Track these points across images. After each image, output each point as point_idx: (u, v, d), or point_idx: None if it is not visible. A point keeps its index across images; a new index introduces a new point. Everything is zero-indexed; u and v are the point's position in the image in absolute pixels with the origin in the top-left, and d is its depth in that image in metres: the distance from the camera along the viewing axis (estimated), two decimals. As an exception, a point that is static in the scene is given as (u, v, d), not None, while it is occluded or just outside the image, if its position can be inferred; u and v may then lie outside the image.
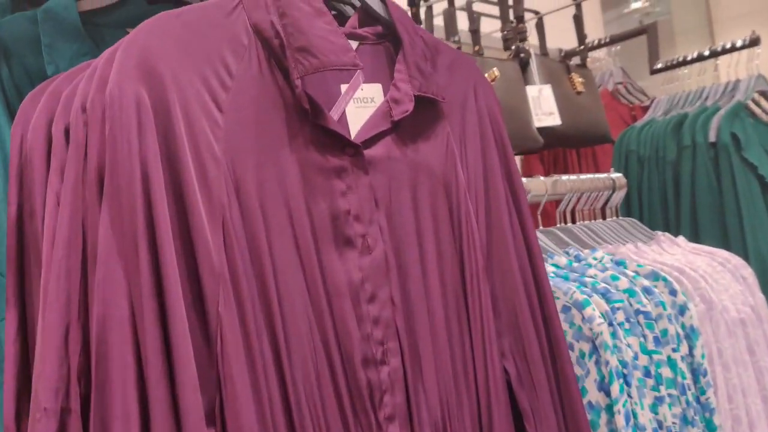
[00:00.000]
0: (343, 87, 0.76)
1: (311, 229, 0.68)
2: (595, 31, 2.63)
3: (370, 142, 0.74)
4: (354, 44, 0.78)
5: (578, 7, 1.74)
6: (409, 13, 1.31)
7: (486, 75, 1.31)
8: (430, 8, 1.48)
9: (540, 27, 1.74)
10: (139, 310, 0.57)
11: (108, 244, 0.58)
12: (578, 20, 1.75)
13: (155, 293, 0.58)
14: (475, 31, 1.58)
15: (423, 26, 1.49)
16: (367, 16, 0.81)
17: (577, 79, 1.56)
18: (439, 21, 1.56)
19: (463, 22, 1.58)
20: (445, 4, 1.53)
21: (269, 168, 0.66)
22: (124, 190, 0.59)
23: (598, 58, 2.34)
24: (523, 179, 1.30)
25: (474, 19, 1.59)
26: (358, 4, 0.81)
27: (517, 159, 2.13)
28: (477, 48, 1.56)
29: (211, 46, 0.66)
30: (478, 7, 1.65)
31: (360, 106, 0.77)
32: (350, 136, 0.74)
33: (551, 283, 1.06)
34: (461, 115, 0.84)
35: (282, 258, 0.66)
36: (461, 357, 0.78)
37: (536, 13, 1.77)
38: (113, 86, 0.60)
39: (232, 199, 0.63)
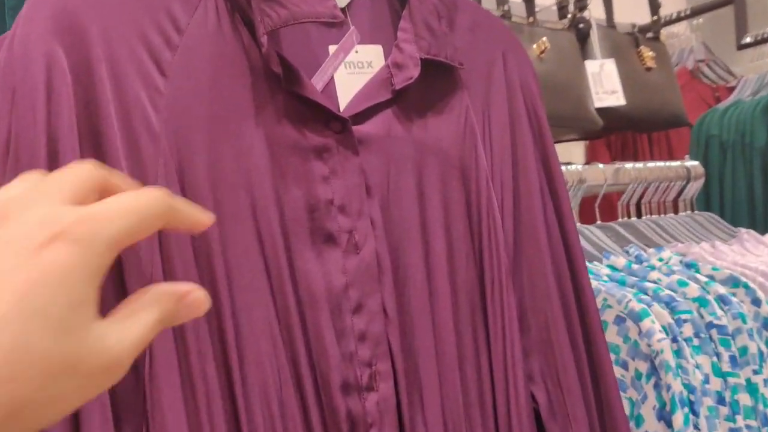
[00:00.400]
0: (332, 48, 0.62)
1: (280, 223, 0.55)
2: (672, 2, 2.39)
3: (364, 115, 0.60)
4: (347, -1, 0.64)
5: (651, -28, 1.54)
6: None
7: (534, 46, 1.15)
8: (477, -25, 1.32)
9: (607, -3, 1.55)
10: None
11: None
12: (651, -12, 1.55)
13: None
14: (529, 1, 1.40)
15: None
16: (365, -36, 0.67)
17: (647, 53, 1.36)
18: (489, -10, 1.40)
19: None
20: (494, -30, 1.37)
21: (226, 145, 0.53)
22: (24, 170, 0.47)
23: (675, 33, 2.11)
24: (578, 167, 1.13)
25: (528, -13, 1.41)
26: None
27: (579, 144, 1.93)
28: (531, 20, 1.38)
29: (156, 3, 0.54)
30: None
31: (354, 72, 0.63)
32: (338, 107, 0.60)
33: (604, 288, 0.90)
34: (485, 86, 0.69)
35: (239, 258, 0.53)
36: (476, 382, 0.63)
37: (602, -20, 1.57)
38: (18, 44, 0.49)
39: (172, 184, 0.51)
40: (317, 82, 0.60)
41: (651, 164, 1.29)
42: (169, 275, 0.50)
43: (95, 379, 0.25)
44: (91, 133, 0.50)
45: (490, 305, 0.65)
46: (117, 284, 0.49)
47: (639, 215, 1.31)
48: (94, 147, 0.50)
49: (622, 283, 0.96)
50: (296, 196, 0.56)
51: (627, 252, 1.09)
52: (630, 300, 0.87)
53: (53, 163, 0.48)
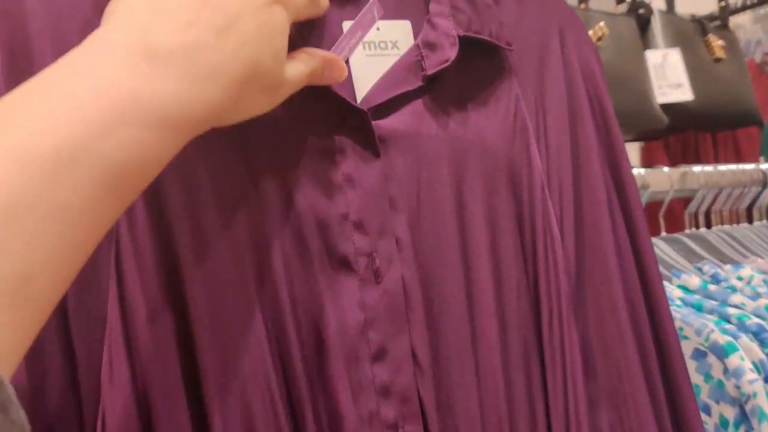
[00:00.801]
0: (347, 25, 0.50)
1: (280, 245, 0.43)
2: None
3: (388, 108, 0.48)
4: (370, -39, 0.52)
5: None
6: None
7: (590, 32, 1.00)
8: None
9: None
10: None
11: None
12: (717, -28, 1.39)
13: None
14: (581, -15, 1.26)
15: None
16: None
17: (716, 42, 1.21)
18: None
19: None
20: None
21: (210, 147, 0.41)
22: None
23: (740, 24, 1.93)
24: (640, 171, 0.99)
25: (580, -30, 1.27)
26: None
27: (634, 146, 1.77)
28: (584, 6, 1.24)
29: None
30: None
31: (374, 53, 0.50)
32: (354, 98, 0.48)
33: (678, 315, 0.75)
34: (538, 70, 0.56)
35: (224, 291, 0.41)
36: None
37: (662, -37, 1.42)
38: None
39: (138, 201, 0.39)
40: None
41: (722, 167, 1.13)
42: (126, 318, 0.38)
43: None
44: None
45: (547, 345, 0.52)
46: (59, 326, 0.38)
47: (709, 226, 1.16)
48: None
49: (699, 308, 0.82)
50: (301, 211, 0.43)
51: (700, 270, 0.94)
52: (712, 331, 0.73)
53: None
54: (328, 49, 0.48)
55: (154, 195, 0.40)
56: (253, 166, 0.43)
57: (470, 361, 0.48)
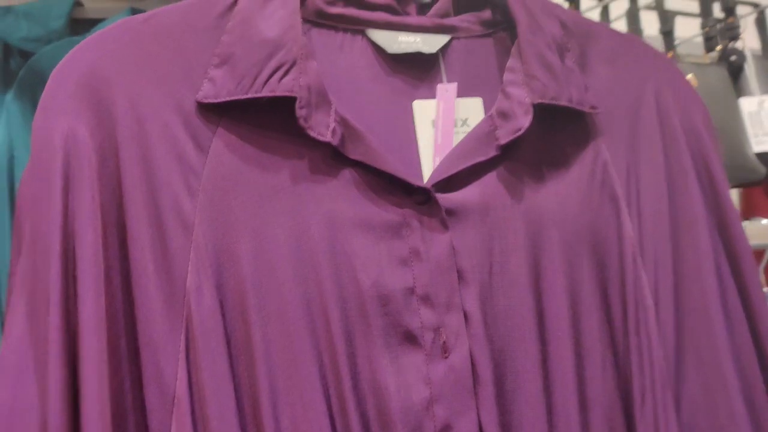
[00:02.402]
0: (419, 104, 0.51)
1: (342, 320, 0.43)
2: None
3: (459, 180, 0.48)
4: (443, 39, 0.53)
5: (817, -8, 1.32)
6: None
7: (677, 84, 0.98)
8: (606, 8, 1.17)
9: (761, 23, 1.34)
10: None
11: (16, 349, 0.39)
12: (817, 10, 1.32)
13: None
14: (668, 33, 1.23)
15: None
16: (468, -4, 0.55)
17: (818, 86, 1.15)
18: (620, 24, 1.25)
19: (650, 24, 1.24)
20: (625, 3, 1.21)
21: (276, 230, 0.43)
22: (39, 271, 0.40)
23: None
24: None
25: (667, 17, 1.24)
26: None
27: (732, 192, 1.69)
28: (671, 54, 1.21)
29: (192, 61, 0.46)
30: (671, 3, 1.30)
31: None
32: (420, 173, 0.49)
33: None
34: (632, 134, 0.54)
35: (287, 369, 0.42)
36: None
37: (755, 6, 1.37)
38: (38, 122, 0.43)
39: (205, 281, 0.42)
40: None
41: (830, 218, 1.06)
42: (197, 399, 0.40)
43: None
44: (117, 225, 0.43)
45: (640, 425, 0.49)
46: (135, 405, 0.40)
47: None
48: (120, 242, 0.42)
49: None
50: (364, 286, 0.44)
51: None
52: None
53: (69, 262, 0.40)
54: (398, 126, 0.50)
55: (222, 272, 0.42)
56: (315, 245, 0.44)
57: (545, 440, 0.47)
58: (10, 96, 0.88)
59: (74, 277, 0.41)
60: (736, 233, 0.55)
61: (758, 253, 1.02)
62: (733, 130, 1.02)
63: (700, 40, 1.21)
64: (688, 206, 0.54)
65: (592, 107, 0.52)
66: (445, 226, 0.46)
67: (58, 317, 0.40)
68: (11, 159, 0.87)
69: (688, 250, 0.53)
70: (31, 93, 0.86)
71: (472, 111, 0.52)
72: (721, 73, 1.07)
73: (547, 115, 0.50)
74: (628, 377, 0.49)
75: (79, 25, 0.94)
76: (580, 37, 0.55)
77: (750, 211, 1.62)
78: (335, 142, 0.45)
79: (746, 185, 1.17)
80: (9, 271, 0.44)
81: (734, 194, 1.71)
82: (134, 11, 0.88)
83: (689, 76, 0.97)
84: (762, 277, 1.03)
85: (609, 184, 0.52)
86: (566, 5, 1.02)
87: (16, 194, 0.66)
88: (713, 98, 1.02)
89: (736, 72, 1.10)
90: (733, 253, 0.54)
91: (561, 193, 0.50)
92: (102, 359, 0.40)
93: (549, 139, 0.51)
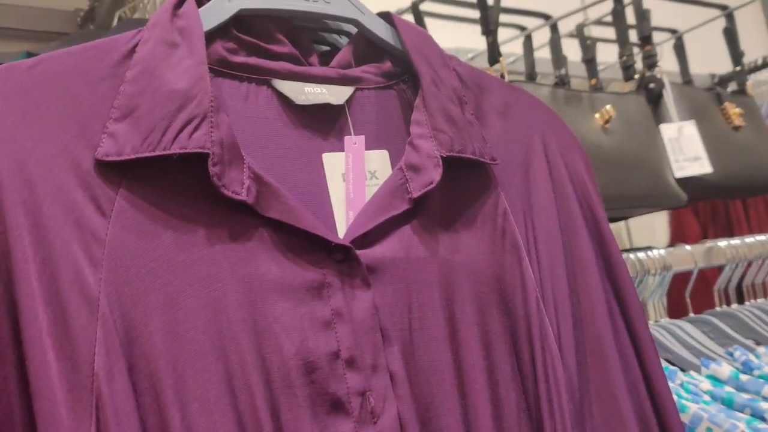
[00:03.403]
0: (328, 157, 0.49)
1: (266, 394, 0.41)
2: (757, 46, 2.18)
3: (375, 235, 0.47)
4: (348, 91, 0.52)
5: (729, 18, 1.36)
6: (485, 45, 1.03)
7: (597, 115, 0.99)
8: (528, 38, 1.19)
9: (679, 49, 1.38)
10: None
11: None
12: (730, 35, 1.37)
13: None
14: (590, 61, 1.26)
15: (523, 60, 1.20)
16: (368, 47, 0.54)
17: (733, 111, 1.18)
18: (542, 53, 1.26)
19: (573, 51, 1.27)
20: (547, 32, 1.23)
21: (191, 299, 0.41)
22: None
23: (763, 81, 1.90)
24: (661, 251, 0.96)
25: (587, 46, 1.27)
26: (354, 30, 0.54)
27: (663, 214, 1.73)
28: (594, 81, 1.23)
29: (88, 113, 0.43)
30: (591, 30, 1.33)
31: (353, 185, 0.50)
32: (334, 229, 0.47)
33: (706, 415, 0.72)
34: (525, 182, 0.56)
35: None
36: None
37: (673, 32, 1.41)
38: None
39: (116, 362, 0.39)
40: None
41: (750, 239, 1.09)
42: None
43: None
44: (7, 304, 0.38)
45: None
46: None
47: (741, 301, 1.10)
48: (11, 323, 0.38)
49: (729, 403, 0.77)
50: (287, 354, 0.42)
51: (731, 355, 0.89)
52: (743, 433, 0.68)
53: None
54: (309, 182, 0.48)
55: (133, 350, 0.40)
56: (232, 313, 0.42)
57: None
58: None
59: None
60: (622, 274, 0.57)
61: (684, 277, 1.03)
62: (654, 157, 1.03)
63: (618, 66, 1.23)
64: (579, 252, 0.56)
65: (492, 159, 0.53)
66: (367, 284, 0.45)
67: None
68: None
69: (582, 293, 0.55)
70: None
71: (379, 163, 0.51)
72: (639, 102, 1.09)
73: (452, 167, 0.50)
74: (541, 421, 0.49)
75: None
76: (475, 89, 0.56)
77: (680, 233, 1.67)
78: (250, 200, 0.43)
79: (668, 209, 1.20)
80: None
81: (663, 218, 1.75)
82: (30, 55, 0.83)
83: (607, 107, 0.98)
84: (688, 302, 1.05)
85: (510, 232, 0.53)
86: (484, 37, 1.02)
87: None
88: (633, 127, 1.04)
89: (655, 99, 1.12)
90: (621, 294, 0.57)
91: (469, 244, 0.51)
92: None
93: (454, 190, 0.51)
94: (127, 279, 0.40)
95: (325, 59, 0.53)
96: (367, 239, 0.47)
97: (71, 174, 0.41)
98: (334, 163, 0.50)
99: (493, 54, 1.02)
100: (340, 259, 0.45)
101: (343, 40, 0.56)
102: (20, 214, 0.39)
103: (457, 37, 1.46)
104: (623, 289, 0.57)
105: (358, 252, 0.45)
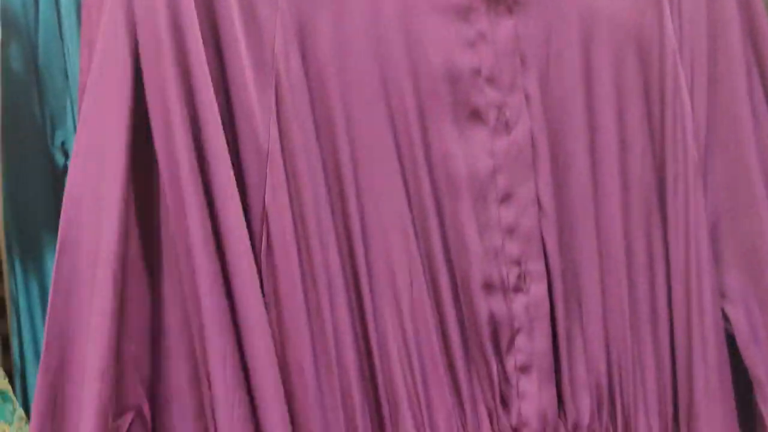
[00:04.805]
0: None
1: (415, 96, 0.47)
2: None
3: None
4: None
5: None
6: None
7: None
8: None
9: None
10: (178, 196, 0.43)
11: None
12: None
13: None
14: None
15: None
16: None
17: None
18: None
19: None
20: None
21: (352, 4, 0.47)
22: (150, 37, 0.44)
23: None
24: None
25: None
26: None
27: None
28: None
29: None
30: None
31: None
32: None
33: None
34: None
35: (366, 137, 0.47)
36: (648, 295, 0.53)
37: None
38: None
39: (291, 49, 0.45)
40: None
41: None
42: (288, 152, 0.45)
43: None
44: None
45: (671, 208, 0.53)
46: (233, 157, 0.45)
47: None
48: (208, 9, 0.45)
49: None
50: (435, 65, 0.48)
51: None
52: None
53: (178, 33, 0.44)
54: None
55: (305, 41, 0.46)
56: (387, 23, 0.47)
57: (591, 212, 0.51)
58: None
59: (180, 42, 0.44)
60: (765, 39, 0.57)
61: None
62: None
63: None
64: (721, 8, 0.56)
65: None
66: (510, 12, 0.49)
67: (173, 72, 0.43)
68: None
69: (722, 52, 0.56)
70: None
71: None
72: None
73: None
74: (664, 164, 0.53)
75: None
76: None
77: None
78: None
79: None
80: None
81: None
82: None
83: None
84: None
85: None
86: None
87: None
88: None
89: None
90: (762, 59, 0.57)
91: None
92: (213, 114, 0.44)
93: None
94: None
95: None
96: None
97: None
98: None
99: None
100: None
101: None
102: None
103: None
104: (765, 54, 0.57)
105: None
